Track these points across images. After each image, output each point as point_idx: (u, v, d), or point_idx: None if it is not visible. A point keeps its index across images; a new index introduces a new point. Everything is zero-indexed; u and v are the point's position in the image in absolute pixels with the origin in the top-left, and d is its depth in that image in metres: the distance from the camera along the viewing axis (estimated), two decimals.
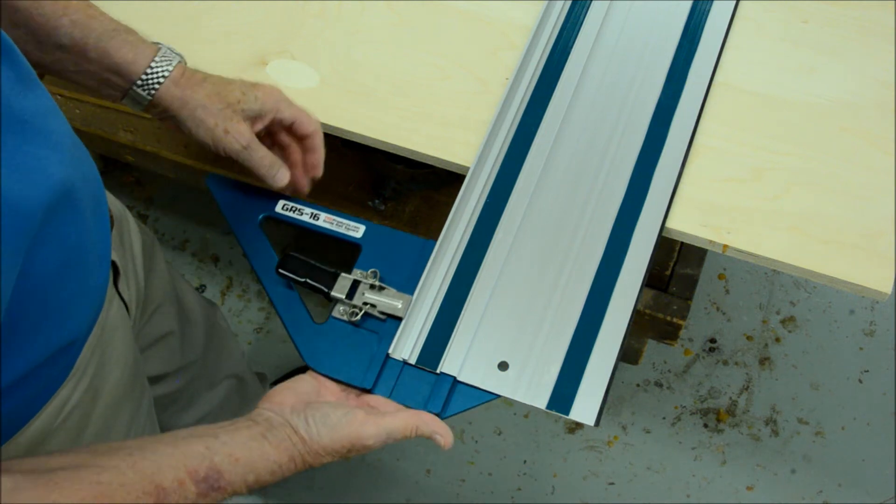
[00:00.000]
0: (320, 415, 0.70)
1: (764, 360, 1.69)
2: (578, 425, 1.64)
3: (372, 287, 0.82)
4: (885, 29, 0.99)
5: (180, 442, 0.63)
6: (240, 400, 1.32)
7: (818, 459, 1.60)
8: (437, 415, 0.77)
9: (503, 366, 0.79)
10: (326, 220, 0.88)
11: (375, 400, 0.77)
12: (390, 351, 0.80)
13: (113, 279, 0.81)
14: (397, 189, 1.18)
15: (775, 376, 1.68)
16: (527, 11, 1.01)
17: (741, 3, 1.01)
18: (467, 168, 0.91)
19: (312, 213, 0.89)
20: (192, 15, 1.01)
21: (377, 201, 1.18)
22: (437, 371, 0.79)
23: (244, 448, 0.65)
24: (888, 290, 0.83)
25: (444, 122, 0.94)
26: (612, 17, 1.00)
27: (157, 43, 0.80)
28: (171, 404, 1.13)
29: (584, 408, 0.76)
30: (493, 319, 0.81)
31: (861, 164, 0.90)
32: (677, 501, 1.58)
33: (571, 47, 0.98)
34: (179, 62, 0.80)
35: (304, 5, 1.02)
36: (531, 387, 0.78)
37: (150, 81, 0.78)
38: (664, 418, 1.65)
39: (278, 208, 0.89)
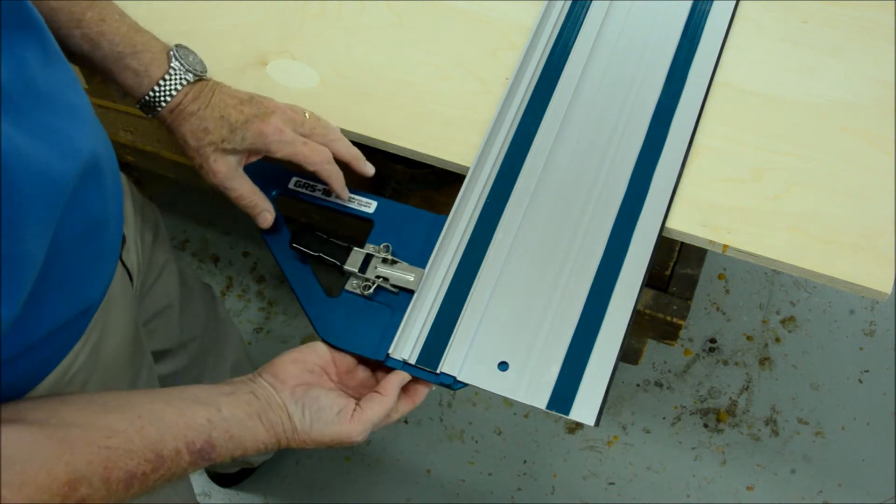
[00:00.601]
0: (317, 408, 0.73)
1: (764, 360, 1.69)
2: (578, 425, 1.64)
3: (384, 261, 0.84)
4: (885, 29, 0.99)
5: (186, 408, 0.67)
6: None
7: (818, 459, 1.60)
8: (449, 386, 0.79)
9: (503, 366, 0.79)
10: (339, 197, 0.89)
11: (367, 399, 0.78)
12: (390, 351, 0.80)
13: None
14: (397, 189, 1.18)
15: (775, 376, 1.68)
16: (527, 11, 1.01)
17: (741, 3, 1.01)
18: (467, 168, 0.91)
19: (325, 189, 0.89)
20: (192, 15, 1.01)
21: None
22: (437, 371, 0.79)
23: (240, 427, 0.69)
24: (888, 290, 0.83)
25: (444, 122, 0.94)
26: (612, 17, 1.00)
27: (172, 56, 0.79)
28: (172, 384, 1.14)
29: (584, 408, 0.77)
30: (493, 319, 0.81)
31: (861, 164, 0.90)
32: (677, 501, 1.58)
33: (571, 47, 0.98)
34: (185, 86, 0.79)
35: (304, 5, 1.02)
36: (531, 387, 0.78)
37: (148, 107, 0.80)
38: (664, 418, 1.65)
39: (291, 185, 0.90)
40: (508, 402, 1.66)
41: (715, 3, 1.00)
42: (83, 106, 0.66)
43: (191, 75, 0.80)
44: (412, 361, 0.79)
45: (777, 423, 1.64)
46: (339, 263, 0.83)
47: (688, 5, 1.00)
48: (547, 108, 0.94)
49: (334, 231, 0.90)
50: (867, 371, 1.68)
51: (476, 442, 1.63)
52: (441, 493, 1.59)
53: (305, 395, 0.73)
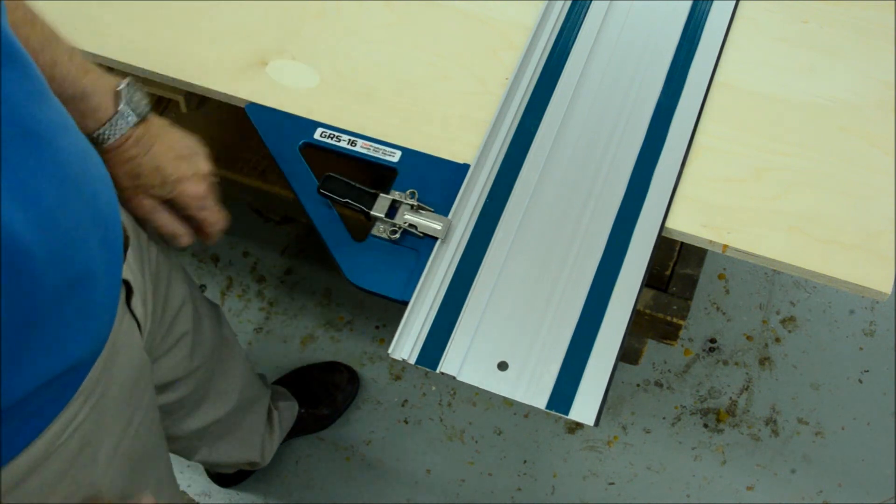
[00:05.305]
0: None
1: (764, 360, 1.69)
2: (578, 425, 1.64)
3: (411, 208, 0.86)
4: (885, 29, 0.99)
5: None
6: (246, 408, 1.30)
7: (818, 459, 1.60)
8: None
9: (503, 366, 0.79)
10: (363, 146, 0.92)
11: None
12: (390, 351, 0.80)
13: (126, 297, 0.81)
14: None
15: (775, 376, 1.68)
16: (527, 11, 1.01)
17: (741, 2, 1.01)
18: (467, 168, 0.91)
19: (350, 140, 0.92)
20: (192, 15, 1.01)
21: None
22: (438, 371, 0.79)
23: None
24: (888, 290, 0.83)
25: (444, 122, 0.94)
26: (612, 17, 1.00)
27: (121, 96, 0.81)
28: (178, 409, 1.12)
29: (584, 408, 0.77)
30: (493, 319, 0.81)
31: (861, 164, 0.90)
32: (677, 501, 1.58)
33: (571, 47, 0.98)
34: (128, 129, 0.81)
35: (304, 5, 1.02)
36: (531, 387, 0.78)
37: (93, 142, 0.81)
38: (664, 418, 1.65)
39: (316, 135, 0.93)
40: (508, 402, 1.66)
41: (715, 3, 1.00)
42: (71, 149, 0.65)
43: (134, 117, 0.81)
44: (412, 361, 0.79)
45: (777, 423, 1.64)
46: (366, 209, 0.86)
47: (688, 5, 1.00)
48: (547, 108, 0.94)
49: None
50: (867, 371, 1.68)
51: (476, 442, 1.63)
52: (441, 493, 1.59)
53: None
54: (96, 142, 0.81)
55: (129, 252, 0.82)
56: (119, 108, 0.80)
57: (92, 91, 0.79)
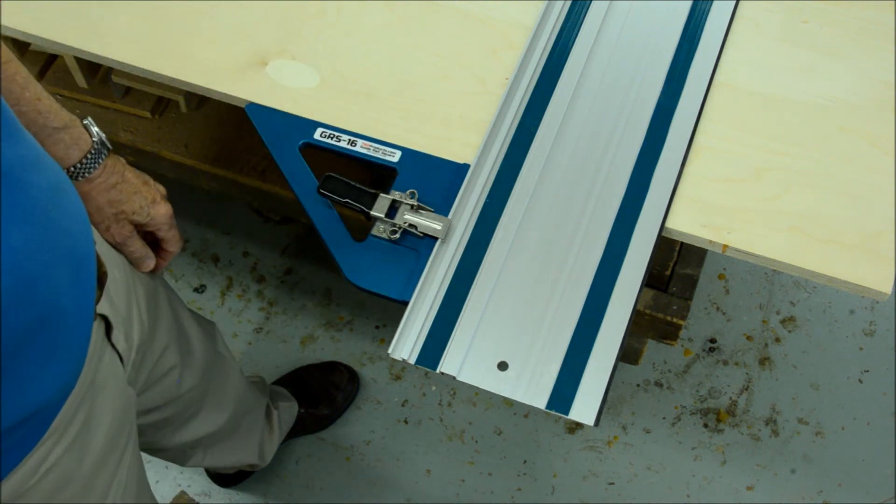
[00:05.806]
0: None
1: (764, 360, 1.69)
2: (578, 425, 1.64)
3: (412, 208, 0.86)
4: (885, 29, 0.99)
5: None
6: (241, 418, 1.29)
7: (818, 459, 1.60)
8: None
9: (503, 366, 0.79)
10: (364, 146, 0.92)
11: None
12: (390, 351, 0.80)
13: (106, 332, 0.80)
14: None
15: (775, 376, 1.68)
16: (527, 11, 1.01)
17: (741, 3, 1.01)
18: (467, 168, 0.91)
19: (350, 140, 0.92)
20: (192, 15, 1.01)
21: None
22: (438, 371, 0.79)
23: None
24: (888, 290, 0.83)
25: (444, 122, 0.94)
26: (612, 17, 1.00)
27: (95, 138, 0.84)
28: (165, 426, 1.11)
29: (584, 408, 0.77)
30: (493, 319, 0.81)
31: (861, 164, 0.90)
32: (677, 501, 1.58)
33: (571, 47, 0.98)
34: (102, 162, 0.84)
35: (304, 5, 1.02)
36: (531, 387, 0.78)
37: (71, 176, 0.83)
38: (664, 418, 1.65)
39: (316, 135, 0.93)
40: (508, 402, 1.65)
41: (715, 3, 1.00)
42: (41, 185, 0.64)
43: (106, 150, 0.85)
44: (412, 361, 0.79)
45: (777, 423, 1.64)
46: (366, 209, 0.86)
47: (688, 5, 1.00)
48: (547, 108, 0.94)
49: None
50: (867, 371, 1.68)
51: (476, 442, 1.63)
52: (441, 493, 1.59)
53: None
54: (80, 172, 0.83)
55: (111, 286, 0.82)
56: (94, 139, 0.84)
57: (72, 123, 0.82)
